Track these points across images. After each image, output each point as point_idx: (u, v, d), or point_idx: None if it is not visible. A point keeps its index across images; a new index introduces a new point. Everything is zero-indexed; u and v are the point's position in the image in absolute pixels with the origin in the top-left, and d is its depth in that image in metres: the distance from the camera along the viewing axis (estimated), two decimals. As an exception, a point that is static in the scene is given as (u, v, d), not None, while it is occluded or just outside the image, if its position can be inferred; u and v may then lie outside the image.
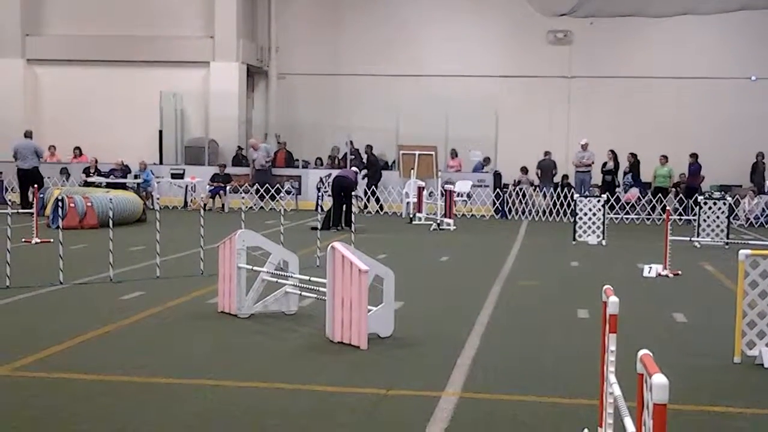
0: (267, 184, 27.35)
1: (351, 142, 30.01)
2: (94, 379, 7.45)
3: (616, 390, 4.89)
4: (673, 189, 27.04)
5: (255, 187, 27.21)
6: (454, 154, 29.43)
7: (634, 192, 26.96)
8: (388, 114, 29.20)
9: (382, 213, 27.16)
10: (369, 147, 28.93)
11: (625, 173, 27.96)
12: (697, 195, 22.61)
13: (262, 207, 27.12)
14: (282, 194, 26.69)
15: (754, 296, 8.30)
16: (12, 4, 31.45)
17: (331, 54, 32.55)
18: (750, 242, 18.47)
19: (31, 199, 20.68)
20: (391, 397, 7.08)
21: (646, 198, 26.30)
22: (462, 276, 14.40)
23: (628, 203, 26.26)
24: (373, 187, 27.52)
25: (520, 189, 27.29)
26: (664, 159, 26.76)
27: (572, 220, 20.37)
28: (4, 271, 11.99)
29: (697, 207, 19.57)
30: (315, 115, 31.18)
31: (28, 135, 24.86)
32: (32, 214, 17.83)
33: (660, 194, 25.90)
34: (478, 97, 29.73)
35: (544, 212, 26.33)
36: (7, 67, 31.65)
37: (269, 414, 6.58)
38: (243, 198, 18.42)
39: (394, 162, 29.34)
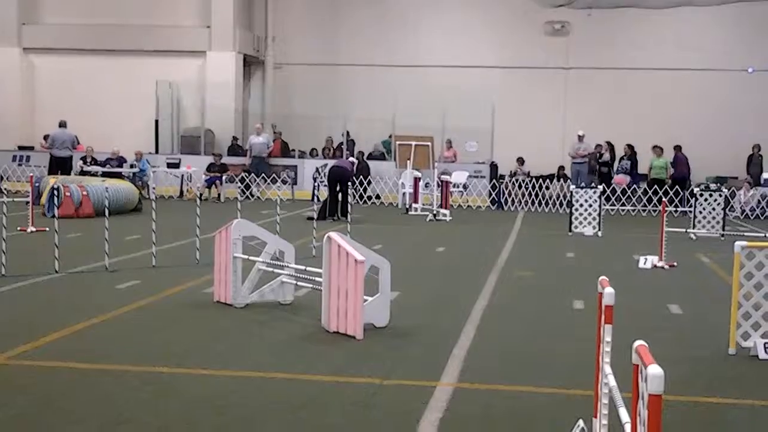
0: (263, 174, 27.35)
1: (347, 133, 29.97)
2: (89, 368, 7.46)
3: (611, 381, 4.90)
4: (669, 180, 27.05)
5: (251, 176, 27.15)
6: (449, 144, 29.39)
7: (623, 177, 26.95)
8: (384, 104, 29.14)
9: (378, 204, 27.13)
10: (361, 153, 28.92)
11: (621, 159, 27.97)
12: (682, 186, 23.68)
13: (257, 197, 27.09)
14: (278, 184, 26.66)
15: (749, 288, 8.32)
16: (8, -8, 31.38)
17: (328, 44, 32.48)
18: (746, 234, 18.51)
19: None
20: (386, 387, 7.09)
21: (642, 190, 26.29)
22: (458, 266, 14.40)
23: (619, 187, 26.24)
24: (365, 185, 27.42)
25: (517, 180, 27.29)
26: (660, 150, 26.77)
27: (568, 211, 20.38)
28: (0, 259, 11.98)
29: (693, 198, 19.58)
30: (311, 106, 31.12)
31: (63, 125, 25.64)
32: (28, 202, 17.79)
33: (656, 186, 25.88)
34: (475, 88, 29.66)
35: (541, 203, 26.27)
36: (3, 55, 31.53)
37: (264, 403, 6.58)
38: (239, 187, 18.39)
39: (387, 150, 29.30)
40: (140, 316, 9.77)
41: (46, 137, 29.56)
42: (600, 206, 19.64)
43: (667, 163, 26.86)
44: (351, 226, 15.55)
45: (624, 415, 4.57)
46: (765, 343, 8.32)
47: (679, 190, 25.29)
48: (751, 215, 25.34)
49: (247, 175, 27.26)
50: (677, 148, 27.55)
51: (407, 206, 24.69)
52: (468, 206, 26.73)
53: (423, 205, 23.90)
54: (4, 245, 12.00)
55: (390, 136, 29.43)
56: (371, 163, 28.56)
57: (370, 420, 6.28)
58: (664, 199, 17.85)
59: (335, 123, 29.92)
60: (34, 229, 17.08)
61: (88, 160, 27.56)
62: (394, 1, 32.24)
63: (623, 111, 30.60)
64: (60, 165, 24.97)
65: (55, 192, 19.13)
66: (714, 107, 30.52)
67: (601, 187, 20.44)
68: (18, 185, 27.07)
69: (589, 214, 19.56)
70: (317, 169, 27.45)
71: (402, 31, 31.98)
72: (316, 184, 25.32)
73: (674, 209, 23.89)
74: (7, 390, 6.83)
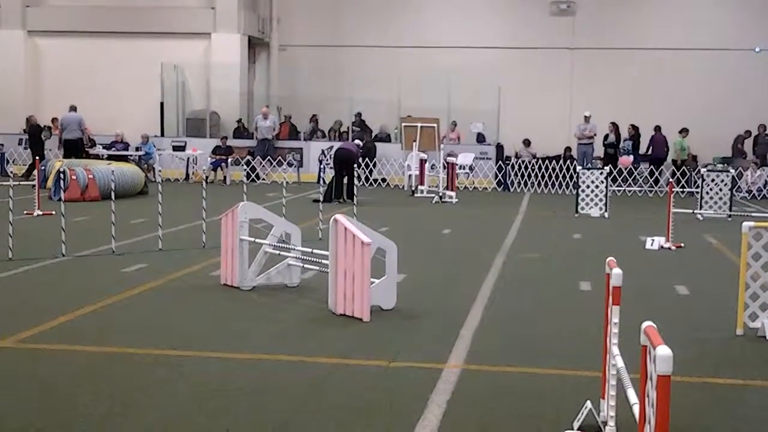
0: (269, 156, 27.34)
1: (359, 114, 29.86)
2: (96, 351, 7.47)
3: (619, 362, 4.89)
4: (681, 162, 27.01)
5: (257, 159, 27.12)
6: (453, 126, 29.26)
7: (627, 158, 26.91)
8: (389, 86, 29.03)
9: (384, 186, 27.07)
10: (370, 134, 28.80)
11: (624, 140, 27.92)
12: (657, 167, 25.48)
13: (263, 180, 27.07)
14: (284, 166, 26.63)
15: (757, 268, 8.29)
16: (12, -26, 31.30)
17: (333, 25, 32.35)
18: (753, 214, 18.43)
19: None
20: (393, 369, 7.09)
21: (649, 170, 26.23)
22: (464, 248, 14.40)
23: (625, 168, 26.21)
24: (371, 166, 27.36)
25: (522, 161, 27.23)
26: (686, 132, 26.71)
27: (574, 192, 20.33)
28: (7, 243, 11.99)
29: (700, 179, 19.53)
30: (316, 87, 31.02)
31: (73, 109, 26.57)
32: (34, 185, 17.81)
33: (673, 167, 25.87)
34: (481, 69, 29.50)
35: (547, 185, 26.20)
36: (8, 38, 31.50)
37: (272, 386, 6.59)
38: (245, 170, 18.35)
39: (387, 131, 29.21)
40: (147, 299, 9.78)
41: (54, 120, 29.59)
42: (606, 187, 19.58)
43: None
44: (357, 208, 15.54)
45: (632, 396, 4.57)
46: (773, 324, 8.30)
47: (654, 170, 25.30)
48: (758, 195, 25.29)
49: (252, 158, 27.23)
50: (657, 129, 27.51)
51: (413, 188, 24.65)
52: (474, 188, 26.70)
53: (429, 187, 23.86)
54: (11, 229, 12.01)
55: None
56: (377, 145, 28.47)
57: (377, 402, 6.27)
58: (671, 179, 17.77)
59: (340, 105, 29.85)
60: (40, 213, 17.10)
61: (86, 142, 27.57)
62: (399, -19, 32.08)
63: (629, 91, 30.45)
64: (70, 147, 25.92)
65: (62, 175, 19.09)
66: (720, 87, 30.36)
67: (607, 169, 20.37)
68: (24, 168, 27.08)
69: (596, 195, 19.51)
70: (323, 152, 27.40)
71: (407, 12, 31.82)
72: (322, 166, 25.27)
73: (681, 190, 23.87)
74: (14, 374, 6.84)
